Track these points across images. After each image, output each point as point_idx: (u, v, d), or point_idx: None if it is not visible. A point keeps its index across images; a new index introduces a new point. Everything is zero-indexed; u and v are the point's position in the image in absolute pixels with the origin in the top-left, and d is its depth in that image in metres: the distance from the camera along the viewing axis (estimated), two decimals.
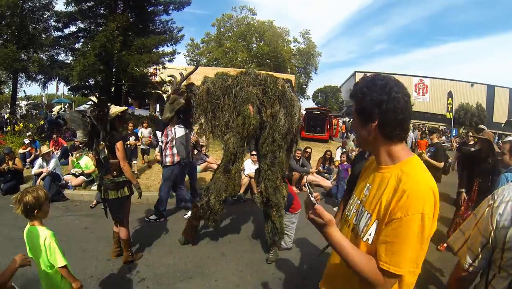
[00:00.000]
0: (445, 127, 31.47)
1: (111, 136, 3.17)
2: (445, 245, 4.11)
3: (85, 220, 4.78)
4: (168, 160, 4.63)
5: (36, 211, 1.95)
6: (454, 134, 21.37)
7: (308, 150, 7.71)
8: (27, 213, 1.94)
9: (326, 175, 7.65)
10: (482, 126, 6.07)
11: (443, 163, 4.93)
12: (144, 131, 8.39)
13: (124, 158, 3.22)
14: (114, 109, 3.24)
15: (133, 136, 7.61)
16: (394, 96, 1.00)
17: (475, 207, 3.95)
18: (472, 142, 6.72)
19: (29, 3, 14.56)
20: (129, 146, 7.03)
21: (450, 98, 28.31)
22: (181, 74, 3.54)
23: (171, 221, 4.84)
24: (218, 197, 3.44)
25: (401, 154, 1.08)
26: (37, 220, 2.00)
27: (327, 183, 7.09)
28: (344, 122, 21.16)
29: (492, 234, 1.11)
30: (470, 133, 10.20)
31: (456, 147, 16.43)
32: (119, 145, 3.17)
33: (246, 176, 6.18)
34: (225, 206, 5.30)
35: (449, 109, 27.86)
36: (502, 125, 32.30)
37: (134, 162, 7.39)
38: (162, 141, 4.69)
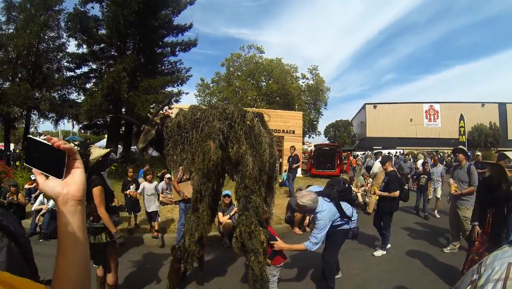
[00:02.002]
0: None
1: (90, 181, 3.07)
2: None
3: None
4: None
5: None
6: None
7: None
8: None
9: None
10: (461, 146, 5.84)
11: (398, 191, 4.91)
12: (147, 186, 5.97)
13: (100, 204, 3.09)
14: (96, 154, 3.17)
15: (134, 185, 6.16)
16: None
17: (490, 241, 3.54)
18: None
19: (44, 44, 15.49)
20: (129, 196, 6.02)
21: (462, 121, 27.77)
22: (157, 106, 3.47)
23: (165, 266, 4.44)
24: (192, 237, 3.32)
25: None
26: None
27: None
28: (355, 157, 20.75)
29: None
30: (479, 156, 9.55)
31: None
32: (95, 190, 3.07)
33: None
34: (215, 249, 5.04)
35: (462, 132, 27.22)
36: None
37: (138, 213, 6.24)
38: None
